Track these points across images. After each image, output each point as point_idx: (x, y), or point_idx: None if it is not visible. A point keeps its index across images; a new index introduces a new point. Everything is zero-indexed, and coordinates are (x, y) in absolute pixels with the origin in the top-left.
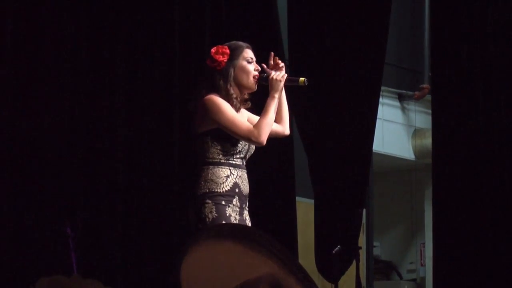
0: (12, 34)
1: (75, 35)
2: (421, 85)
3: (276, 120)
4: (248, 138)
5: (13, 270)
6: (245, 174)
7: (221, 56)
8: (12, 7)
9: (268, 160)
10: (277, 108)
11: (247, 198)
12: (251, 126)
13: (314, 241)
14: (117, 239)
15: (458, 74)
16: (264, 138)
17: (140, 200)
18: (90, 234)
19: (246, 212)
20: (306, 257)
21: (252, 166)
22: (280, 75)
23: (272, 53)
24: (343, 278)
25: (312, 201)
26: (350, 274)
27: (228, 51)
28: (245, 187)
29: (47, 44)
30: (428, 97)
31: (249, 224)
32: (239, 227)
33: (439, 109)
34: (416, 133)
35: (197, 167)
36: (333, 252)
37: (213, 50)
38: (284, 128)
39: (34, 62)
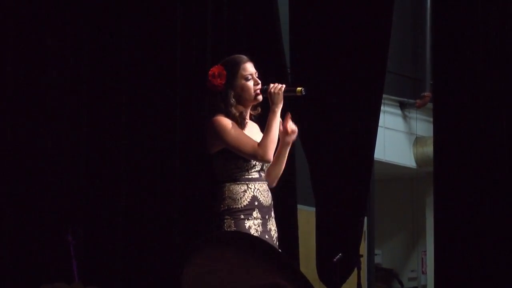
0: (13, 36)
1: (77, 41)
2: (423, 93)
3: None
4: (254, 157)
5: (15, 277)
6: (265, 186)
7: (218, 80)
8: (13, 8)
9: None
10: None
11: (271, 209)
12: (256, 145)
13: (316, 249)
14: (118, 246)
15: (460, 82)
16: (270, 156)
17: (142, 208)
18: (91, 241)
19: (271, 222)
20: (308, 265)
21: None
22: (277, 87)
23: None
24: (344, 286)
25: (313, 209)
26: (351, 282)
27: (224, 72)
28: (265, 199)
29: (48, 48)
30: (430, 105)
31: (275, 235)
32: (243, 236)
33: (440, 117)
34: (418, 141)
35: (215, 186)
36: (335, 260)
37: (210, 73)
38: (270, 181)
39: (36, 65)
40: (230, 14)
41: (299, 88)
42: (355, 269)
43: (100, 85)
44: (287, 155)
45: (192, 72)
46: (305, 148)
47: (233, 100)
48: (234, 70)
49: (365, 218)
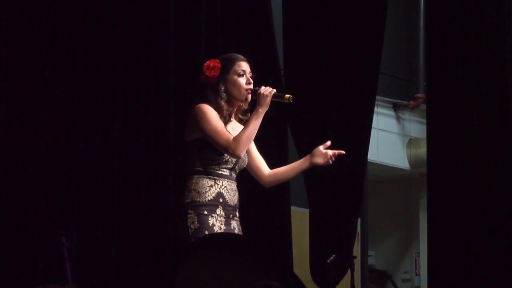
0: (10, 35)
1: (72, 41)
2: (416, 95)
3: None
4: (226, 149)
5: (8, 279)
6: (233, 185)
7: (212, 71)
8: (10, 7)
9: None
10: (293, 170)
11: (236, 209)
12: (230, 138)
13: (309, 250)
14: (112, 248)
15: (453, 84)
16: (240, 152)
17: (136, 209)
18: (85, 243)
19: (235, 222)
20: (301, 266)
21: (247, 175)
22: (267, 90)
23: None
24: (338, 287)
25: (307, 210)
26: (345, 283)
27: (219, 65)
28: (231, 198)
29: (43, 46)
30: (423, 106)
31: (240, 234)
32: (235, 238)
33: (434, 119)
34: (411, 142)
35: (184, 176)
36: (328, 261)
37: (205, 65)
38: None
39: (31, 65)
40: (224, 14)
41: (287, 95)
42: (349, 271)
43: (93, 85)
44: (300, 172)
45: (185, 73)
46: (299, 149)
47: (223, 94)
48: (228, 65)
49: (359, 220)
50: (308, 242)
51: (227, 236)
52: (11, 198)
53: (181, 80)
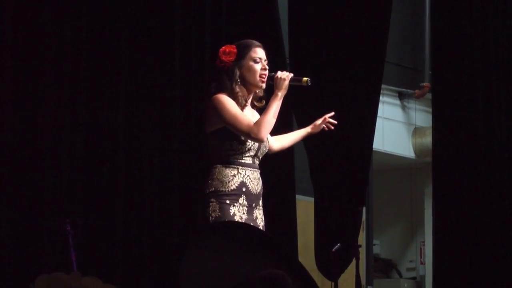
0: (12, 34)
1: (75, 35)
2: (422, 84)
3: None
4: (248, 134)
5: (13, 267)
6: (256, 173)
7: (227, 56)
8: (12, 6)
9: (268, 158)
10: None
11: (259, 198)
12: (251, 123)
13: (314, 239)
14: (116, 236)
15: (459, 73)
16: (263, 135)
17: (140, 198)
18: (89, 231)
19: (257, 211)
20: (306, 255)
21: None
22: (285, 74)
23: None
24: (343, 276)
25: (312, 199)
26: (350, 272)
27: (235, 50)
28: (254, 186)
29: (46, 44)
30: (429, 95)
31: (262, 223)
32: (240, 226)
33: (439, 108)
34: (416, 131)
35: (207, 166)
36: (333, 250)
37: (221, 50)
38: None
39: (34, 62)
40: (230, 10)
41: (305, 78)
42: (354, 260)
43: (99, 80)
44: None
45: (191, 71)
46: (304, 138)
47: (238, 79)
48: (244, 51)
49: (364, 209)
50: (313, 231)
51: (231, 224)
52: (16, 186)
53: (187, 71)
